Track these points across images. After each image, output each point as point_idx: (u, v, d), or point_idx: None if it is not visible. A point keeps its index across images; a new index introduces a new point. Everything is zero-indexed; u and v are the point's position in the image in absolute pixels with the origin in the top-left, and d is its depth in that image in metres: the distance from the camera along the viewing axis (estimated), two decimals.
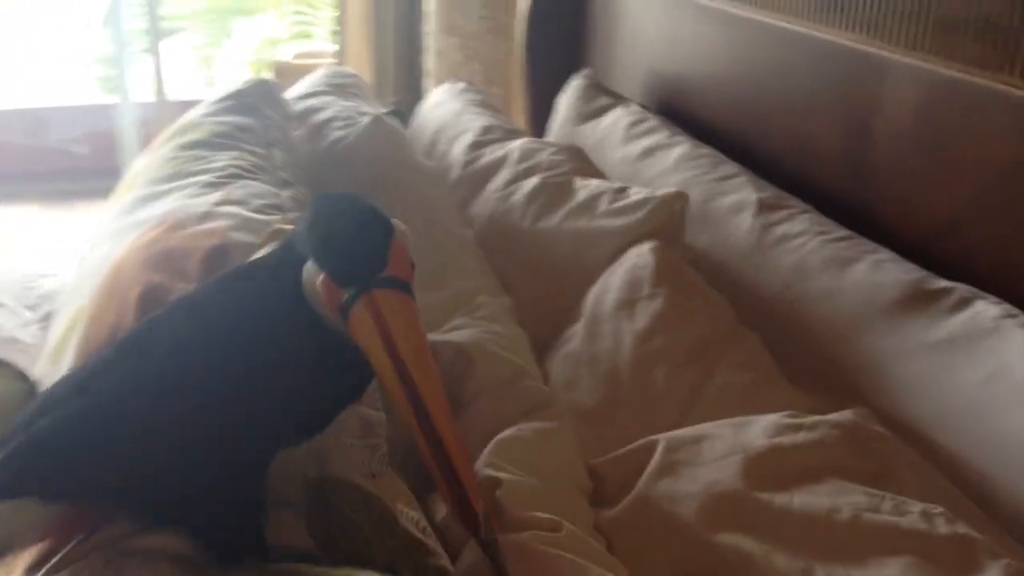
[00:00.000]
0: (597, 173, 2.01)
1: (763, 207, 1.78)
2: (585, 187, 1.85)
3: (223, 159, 1.65)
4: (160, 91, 3.99)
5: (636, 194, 1.79)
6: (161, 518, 0.96)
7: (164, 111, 3.90)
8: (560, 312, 1.70)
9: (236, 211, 1.46)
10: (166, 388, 0.95)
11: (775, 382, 1.51)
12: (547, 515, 1.10)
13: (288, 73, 4.06)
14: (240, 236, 1.38)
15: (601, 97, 2.41)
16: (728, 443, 1.29)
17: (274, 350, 0.96)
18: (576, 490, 1.27)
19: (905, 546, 1.13)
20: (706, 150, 2.05)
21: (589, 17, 2.81)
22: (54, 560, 0.93)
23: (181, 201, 1.50)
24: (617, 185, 1.86)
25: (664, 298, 1.58)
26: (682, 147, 2.07)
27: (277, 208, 1.51)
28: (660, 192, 1.79)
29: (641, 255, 1.66)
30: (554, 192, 1.87)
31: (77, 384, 0.99)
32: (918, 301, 1.46)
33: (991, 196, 1.49)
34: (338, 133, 2.03)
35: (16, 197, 4.18)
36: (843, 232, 1.67)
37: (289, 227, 1.35)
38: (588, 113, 2.38)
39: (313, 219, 0.97)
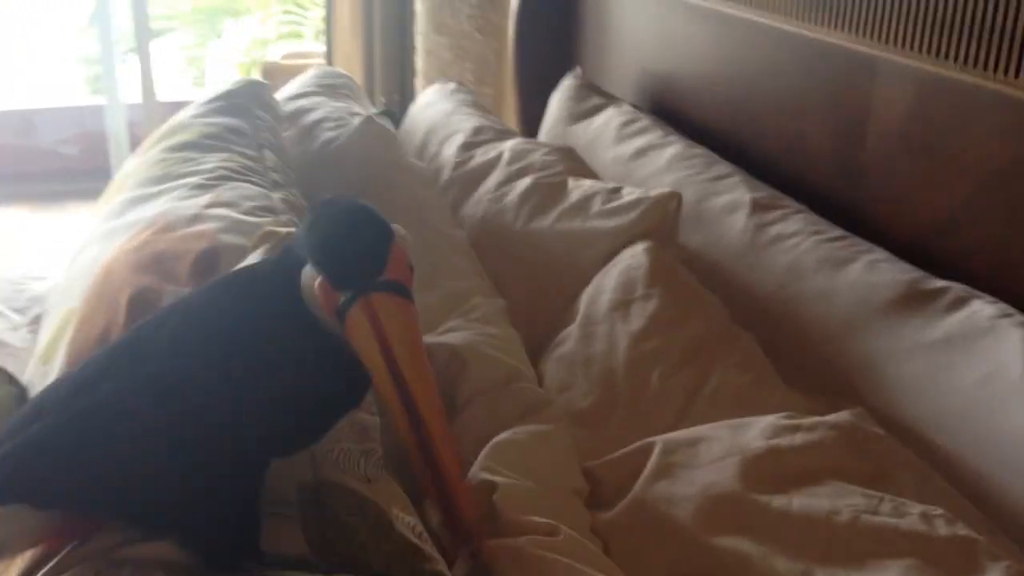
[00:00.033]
0: (590, 173, 2.01)
1: (757, 207, 1.77)
2: (578, 187, 1.85)
3: (213, 161, 1.64)
4: (149, 92, 3.97)
5: (630, 194, 1.78)
6: (156, 525, 0.95)
7: (153, 112, 3.88)
8: (554, 313, 1.69)
9: (226, 213, 1.45)
10: (162, 392, 0.94)
11: (771, 383, 1.50)
12: (544, 519, 1.09)
13: (277, 74, 4.05)
14: (230, 239, 1.37)
15: (593, 97, 2.40)
16: (725, 445, 1.29)
17: (272, 354, 0.95)
18: (572, 493, 1.26)
19: (905, 548, 1.13)
20: (699, 150, 2.04)
21: (579, 16, 2.81)
22: (46, 568, 0.92)
23: (171, 203, 1.49)
24: (611, 185, 1.85)
25: (659, 299, 1.57)
26: (675, 147, 2.06)
27: (268, 210, 1.50)
28: (654, 192, 1.78)
29: (635, 256, 1.65)
30: (547, 193, 1.86)
31: (71, 389, 0.97)
32: (914, 301, 1.45)
33: (983, 196, 1.49)
34: (329, 134, 2.02)
35: (5, 198, 4.17)
36: (837, 232, 1.67)
37: (282, 230, 1.34)
38: (580, 113, 2.37)
39: (313, 222, 0.96)
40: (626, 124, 2.22)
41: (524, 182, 1.90)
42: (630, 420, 1.44)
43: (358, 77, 3.59)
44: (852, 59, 1.71)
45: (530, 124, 2.74)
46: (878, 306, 1.49)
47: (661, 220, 1.73)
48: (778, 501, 1.20)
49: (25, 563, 0.95)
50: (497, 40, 3.28)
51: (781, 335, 1.61)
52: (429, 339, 1.46)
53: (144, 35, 3.96)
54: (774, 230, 1.72)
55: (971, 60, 1.46)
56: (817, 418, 1.34)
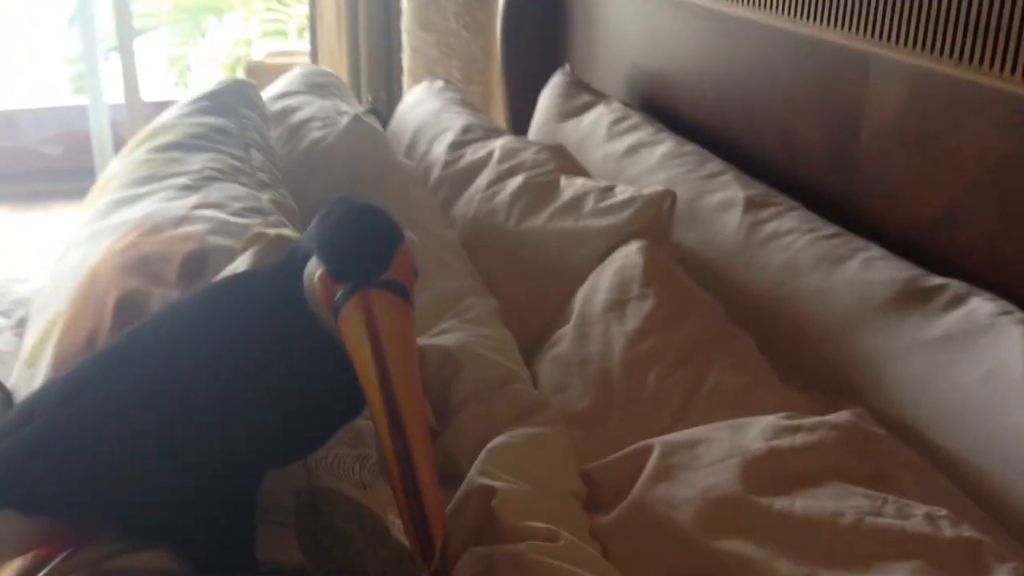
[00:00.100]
0: (581, 172, 1.99)
1: (751, 205, 1.76)
2: (570, 186, 1.83)
3: (199, 161, 1.61)
4: (133, 91, 3.94)
5: (623, 193, 1.76)
6: (147, 531, 0.93)
7: (137, 112, 3.85)
8: (547, 313, 1.67)
9: (214, 215, 1.43)
10: (151, 394, 0.91)
11: (769, 383, 1.49)
12: (544, 525, 1.07)
13: (262, 72, 4.02)
14: (219, 240, 1.35)
15: (582, 94, 2.39)
16: (725, 446, 1.27)
17: (263, 355, 0.93)
18: (570, 496, 1.24)
19: (910, 550, 1.11)
20: (691, 147, 2.03)
21: (567, 12, 2.79)
22: None
23: (158, 205, 1.47)
24: (603, 184, 1.83)
25: (654, 298, 1.55)
26: (666, 144, 2.05)
27: (257, 211, 1.48)
28: (647, 191, 1.76)
29: (629, 255, 1.63)
30: (538, 192, 1.84)
31: (60, 392, 0.95)
32: (912, 299, 1.44)
33: (978, 192, 1.48)
34: (317, 133, 1.99)
35: None
36: (833, 229, 1.65)
37: (271, 231, 1.32)
38: (569, 110, 2.36)
39: (324, 215, 0.94)
40: (617, 121, 2.20)
41: (515, 181, 1.88)
42: (627, 421, 1.42)
43: (344, 75, 3.57)
44: (845, 55, 1.69)
45: (519, 122, 2.72)
46: (876, 304, 1.47)
47: (655, 219, 1.72)
48: (780, 503, 1.19)
49: (14, 573, 0.93)
50: (484, 37, 3.26)
51: (778, 334, 1.60)
52: (423, 341, 1.44)
53: (127, 33, 3.92)
54: (769, 228, 1.70)
55: (965, 56, 1.45)
56: (817, 418, 1.32)
